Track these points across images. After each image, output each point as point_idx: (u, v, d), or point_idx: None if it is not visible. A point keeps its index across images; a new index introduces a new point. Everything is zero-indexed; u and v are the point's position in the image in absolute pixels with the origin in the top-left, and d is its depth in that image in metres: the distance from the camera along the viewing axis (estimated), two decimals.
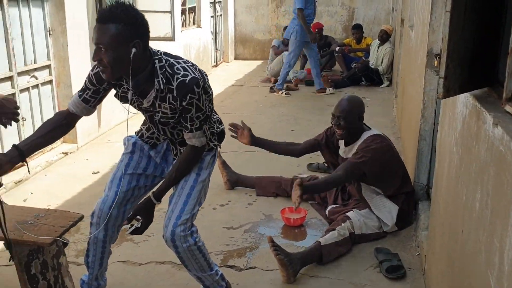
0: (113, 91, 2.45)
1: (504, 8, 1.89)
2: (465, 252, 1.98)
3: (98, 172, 4.94)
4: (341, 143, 3.79)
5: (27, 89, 5.04)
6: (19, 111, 2.57)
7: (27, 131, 5.02)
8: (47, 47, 5.33)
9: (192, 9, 10.24)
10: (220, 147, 2.73)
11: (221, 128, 2.67)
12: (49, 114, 5.40)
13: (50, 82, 5.41)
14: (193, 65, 2.35)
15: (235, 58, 13.11)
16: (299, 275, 3.11)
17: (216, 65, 11.87)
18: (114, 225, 2.59)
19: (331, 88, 8.74)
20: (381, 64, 9.30)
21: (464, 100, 2.14)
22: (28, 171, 2.30)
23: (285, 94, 8.58)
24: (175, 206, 2.46)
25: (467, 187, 2.01)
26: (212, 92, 2.43)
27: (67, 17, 5.33)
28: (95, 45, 2.12)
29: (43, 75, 5.30)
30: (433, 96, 3.69)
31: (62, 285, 2.53)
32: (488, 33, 1.89)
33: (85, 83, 2.41)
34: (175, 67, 2.28)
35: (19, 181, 4.52)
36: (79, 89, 2.43)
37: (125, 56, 2.12)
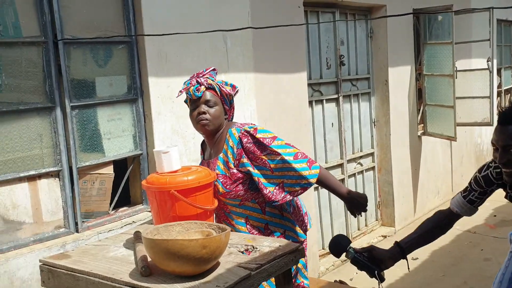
0: None
1: None
2: None
3: (417, 258, 5.00)
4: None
5: (354, 174, 5.57)
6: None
7: None
8: (372, 136, 5.84)
9: (508, 91, 9.72)
10: None
11: None
12: (370, 197, 5.81)
13: (373, 168, 5.86)
14: None
15: None
16: None
17: None
18: None
19: None
20: None
21: None
22: (408, 268, 2.38)
23: None
24: None
25: None
26: None
27: (391, 109, 5.76)
28: (494, 147, 2.09)
29: (367, 162, 5.79)
30: None
31: None
32: None
33: (470, 184, 2.37)
34: None
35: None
36: (462, 189, 2.39)
37: None
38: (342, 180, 5.39)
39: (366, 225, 5.77)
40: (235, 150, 2.44)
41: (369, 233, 5.73)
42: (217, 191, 2.44)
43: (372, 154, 5.87)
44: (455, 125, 5.89)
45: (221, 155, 2.48)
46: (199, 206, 2.32)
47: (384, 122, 5.81)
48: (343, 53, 5.35)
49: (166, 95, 3.43)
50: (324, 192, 5.17)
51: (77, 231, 3.08)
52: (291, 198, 2.45)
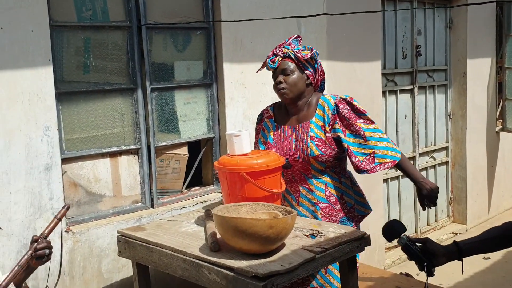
0: None
1: None
2: None
3: (489, 258, 4.82)
4: None
5: (426, 168, 5.44)
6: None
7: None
8: (446, 130, 5.66)
9: None
10: None
11: None
12: (442, 192, 5.65)
13: (446, 163, 5.69)
14: None
15: None
16: None
17: None
18: None
19: None
20: None
21: None
22: (462, 271, 2.28)
23: None
24: None
25: None
26: None
27: (468, 102, 5.54)
28: None
29: (440, 156, 5.62)
30: None
31: None
32: None
33: None
34: None
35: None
36: None
37: None
38: None
39: (436, 221, 5.62)
40: (330, 115, 2.53)
41: (439, 229, 5.58)
42: (309, 153, 2.51)
43: (446, 148, 5.69)
44: None
45: (313, 119, 2.57)
46: (267, 189, 2.39)
47: (460, 116, 5.61)
48: (420, 43, 5.20)
49: (239, 80, 3.53)
50: (393, 184, 5.09)
51: (152, 206, 3.25)
52: (380, 169, 2.50)
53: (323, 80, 2.68)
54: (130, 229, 2.56)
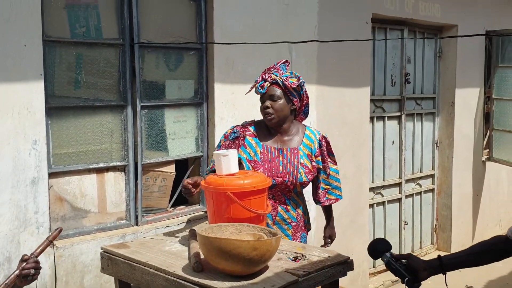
0: None
1: None
2: None
3: (471, 286, 4.84)
4: None
5: (411, 195, 5.48)
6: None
7: (407, 235, 5.43)
8: (433, 157, 5.72)
9: None
10: None
11: None
12: (427, 220, 5.70)
13: (432, 190, 5.74)
14: None
15: None
16: None
17: None
18: None
19: None
20: None
21: None
22: (446, 284, 2.27)
23: None
24: None
25: None
26: None
27: (455, 131, 5.62)
28: None
29: (426, 183, 5.68)
30: None
31: None
32: None
33: None
34: None
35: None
36: None
37: None
38: (399, 200, 5.32)
39: (420, 248, 5.65)
40: (316, 147, 2.77)
41: (423, 256, 5.59)
42: (298, 178, 2.69)
43: (432, 175, 5.74)
44: None
45: (301, 147, 2.73)
46: (253, 210, 2.40)
47: (447, 144, 5.68)
48: (409, 71, 5.29)
49: (229, 101, 3.56)
50: (379, 210, 5.12)
51: (137, 224, 3.24)
52: (327, 203, 2.88)
53: (307, 104, 2.81)
54: (114, 246, 2.55)
